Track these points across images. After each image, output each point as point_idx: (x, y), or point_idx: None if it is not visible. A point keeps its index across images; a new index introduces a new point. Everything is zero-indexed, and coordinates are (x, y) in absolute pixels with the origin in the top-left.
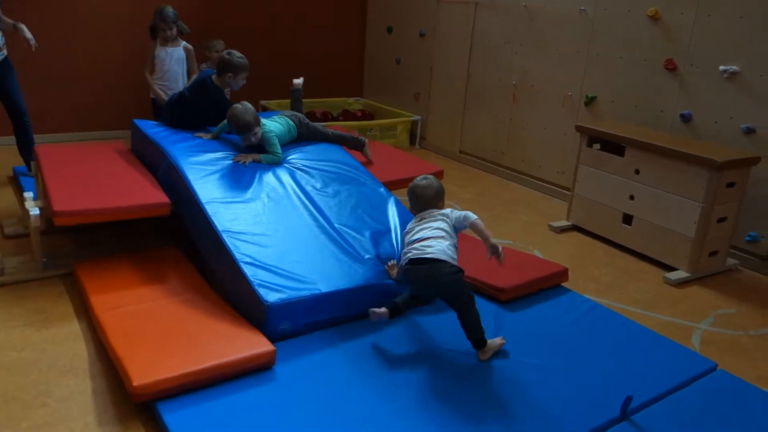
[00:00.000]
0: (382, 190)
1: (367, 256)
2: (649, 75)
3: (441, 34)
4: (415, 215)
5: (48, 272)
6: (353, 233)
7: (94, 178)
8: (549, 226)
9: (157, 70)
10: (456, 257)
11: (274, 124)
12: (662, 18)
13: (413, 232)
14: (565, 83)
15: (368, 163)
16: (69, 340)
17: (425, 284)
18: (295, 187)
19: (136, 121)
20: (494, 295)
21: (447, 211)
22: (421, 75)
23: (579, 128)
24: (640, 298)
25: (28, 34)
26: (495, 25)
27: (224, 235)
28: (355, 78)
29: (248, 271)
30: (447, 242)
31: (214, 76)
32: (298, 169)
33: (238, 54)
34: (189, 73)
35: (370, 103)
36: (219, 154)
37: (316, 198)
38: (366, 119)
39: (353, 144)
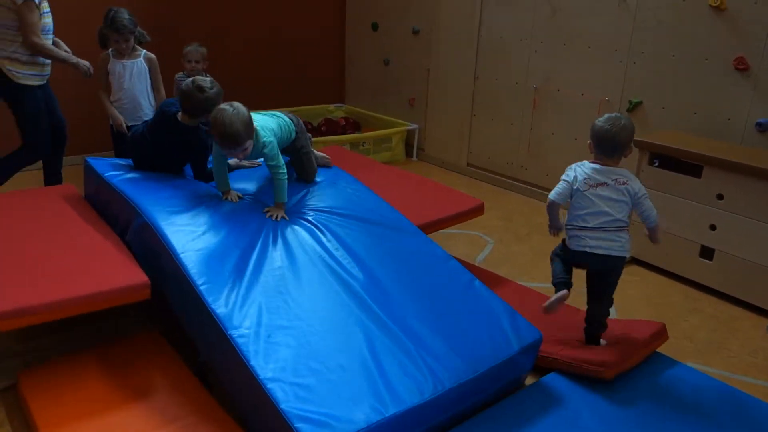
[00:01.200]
0: (433, 246)
1: (436, 348)
2: (712, 76)
3: (440, 30)
4: (595, 157)
5: None
6: (410, 316)
7: (40, 250)
8: None
9: (114, 89)
10: None
11: (268, 122)
12: (728, 9)
13: (595, 203)
14: (600, 86)
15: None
16: None
17: (596, 269)
18: (319, 249)
19: (90, 160)
20: (592, 373)
21: (633, 187)
22: (415, 77)
23: (638, 143)
24: (754, 361)
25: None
26: (507, 19)
27: (236, 338)
28: (335, 82)
29: (278, 393)
30: (628, 234)
31: (180, 115)
32: (315, 223)
33: (208, 82)
34: (154, 90)
35: (353, 109)
36: (211, 206)
37: (349, 265)
38: (351, 128)
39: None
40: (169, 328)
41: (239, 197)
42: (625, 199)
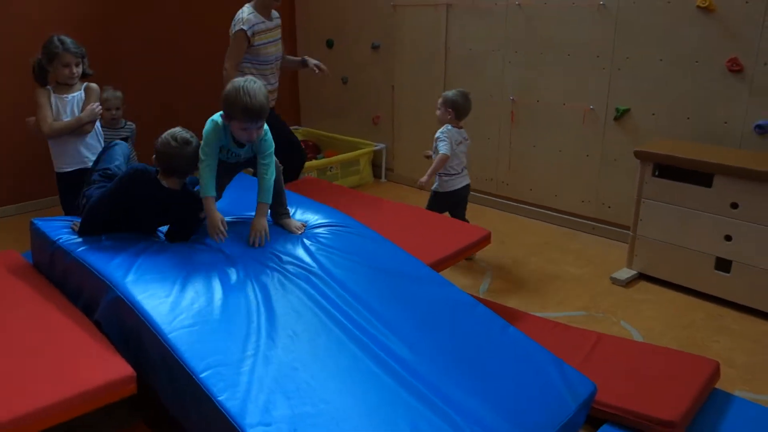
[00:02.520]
0: (453, 290)
1: (489, 421)
2: (704, 79)
3: (402, 44)
4: (456, 123)
5: None
6: (450, 382)
7: None
8: (611, 279)
9: None
10: None
11: None
12: (717, 9)
13: (460, 153)
14: (583, 95)
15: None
16: None
17: (463, 196)
18: (327, 306)
19: (38, 222)
20: None
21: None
22: (378, 95)
23: (640, 154)
24: None
25: (314, 61)
26: (477, 29)
27: None
28: (289, 104)
29: None
30: None
31: (165, 180)
32: (318, 274)
33: (183, 136)
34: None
35: (311, 131)
36: (196, 267)
37: (368, 324)
38: (311, 151)
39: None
40: (156, 417)
41: (223, 223)
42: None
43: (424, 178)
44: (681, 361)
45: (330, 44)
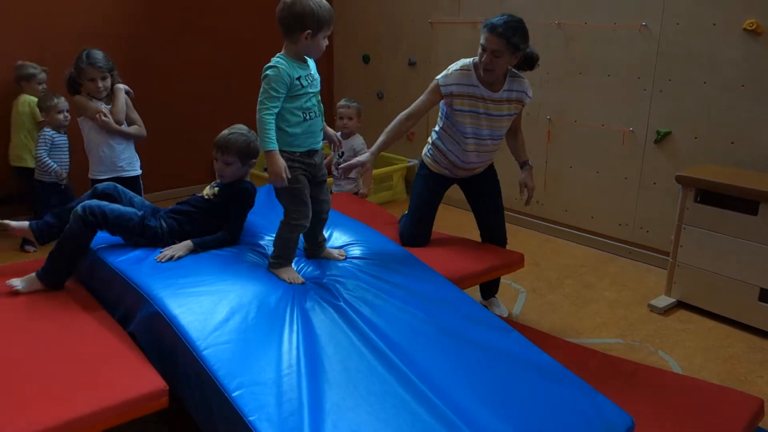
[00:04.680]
0: (486, 314)
1: None
2: (750, 103)
3: (439, 61)
4: None
5: None
6: (478, 412)
7: (23, 350)
8: (649, 306)
9: (87, 139)
10: None
11: None
12: (765, 32)
13: None
14: (622, 116)
15: None
16: None
17: None
18: (366, 330)
19: None
20: None
21: None
22: None
23: (683, 179)
24: None
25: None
26: None
27: None
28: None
29: None
30: None
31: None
32: (348, 300)
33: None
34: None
35: None
36: (236, 282)
37: (393, 348)
38: None
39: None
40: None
41: (285, 169)
42: None
43: (365, 190)
44: (723, 397)
45: (366, 59)
